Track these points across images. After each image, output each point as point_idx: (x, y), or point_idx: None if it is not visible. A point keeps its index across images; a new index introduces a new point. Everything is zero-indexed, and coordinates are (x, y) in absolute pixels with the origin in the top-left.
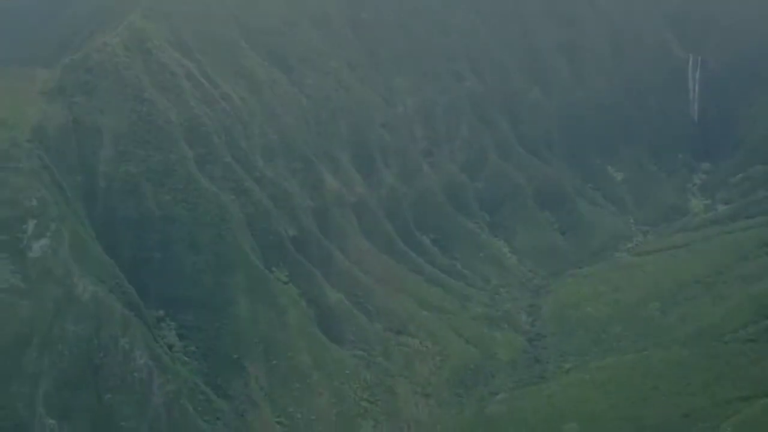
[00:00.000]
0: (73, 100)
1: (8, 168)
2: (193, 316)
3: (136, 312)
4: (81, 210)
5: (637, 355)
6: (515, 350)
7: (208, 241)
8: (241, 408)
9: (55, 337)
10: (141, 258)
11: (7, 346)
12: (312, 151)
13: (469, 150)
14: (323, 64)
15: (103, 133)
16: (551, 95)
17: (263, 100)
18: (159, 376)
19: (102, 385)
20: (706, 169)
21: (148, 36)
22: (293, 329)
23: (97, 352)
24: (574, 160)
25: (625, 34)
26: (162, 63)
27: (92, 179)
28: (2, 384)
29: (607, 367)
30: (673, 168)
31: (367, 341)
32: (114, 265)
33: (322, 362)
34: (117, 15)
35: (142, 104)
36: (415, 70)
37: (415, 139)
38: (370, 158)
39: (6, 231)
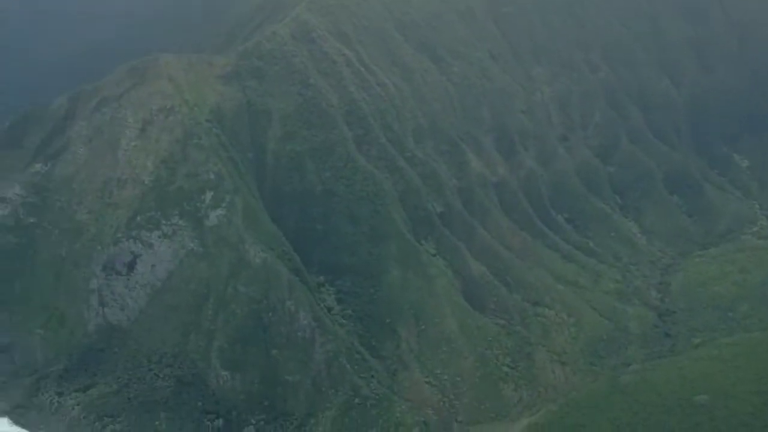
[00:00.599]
0: (246, 84)
1: (191, 144)
2: (350, 282)
3: (300, 277)
4: (252, 184)
5: (764, 333)
6: (646, 324)
7: (364, 214)
8: (392, 368)
9: (228, 297)
10: (304, 228)
11: (187, 304)
12: (458, 134)
13: (602, 136)
14: (468, 55)
15: (272, 114)
16: (680, 86)
17: (414, 87)
18: (320, 335)
19: (270, 342)
20: None
21: (312, 27)
22: (440, 297)
23: (266, 312)
24: (701, 147)
25: (751, 28)
26: (324, 52)
27: (262, 156)
28: (182, 337)
29: (735, 343)
30: None
31: (507, 311)
32: (281, 235)
33: (466, 328)
34: (282, 8)
35: (307, 89)
36: (552, 60)
37: (552, 125)
38: (510, 142)
39: (187, 201)
